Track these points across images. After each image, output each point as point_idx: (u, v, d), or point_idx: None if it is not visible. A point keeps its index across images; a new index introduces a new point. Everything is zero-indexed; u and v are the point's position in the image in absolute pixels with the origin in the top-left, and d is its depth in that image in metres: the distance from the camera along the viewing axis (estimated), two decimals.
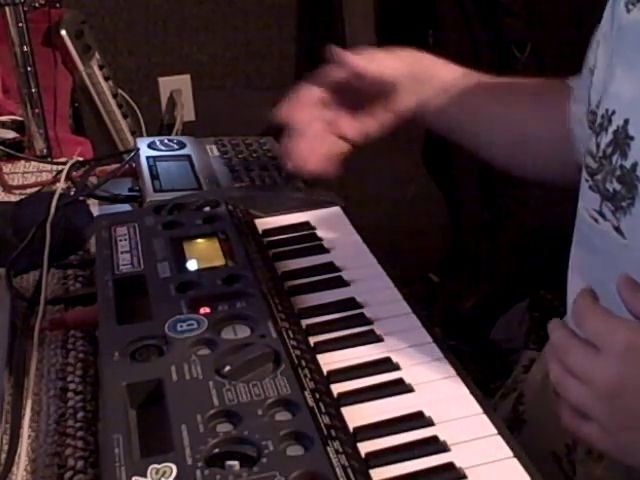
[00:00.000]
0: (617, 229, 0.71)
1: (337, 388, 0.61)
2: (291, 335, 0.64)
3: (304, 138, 0.91)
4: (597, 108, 0.78)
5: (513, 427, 0.90)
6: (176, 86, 2.48)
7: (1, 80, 1.47)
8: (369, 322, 0.69)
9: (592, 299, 0.62)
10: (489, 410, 0.59)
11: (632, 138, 0.69)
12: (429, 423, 0.57)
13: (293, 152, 0.91)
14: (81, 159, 1.09)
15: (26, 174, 1.16)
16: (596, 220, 0.74)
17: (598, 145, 0.74)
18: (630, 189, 0.69)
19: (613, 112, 0.72)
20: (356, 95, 0.94)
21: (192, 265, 0.74)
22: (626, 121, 0.70)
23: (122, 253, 0.76)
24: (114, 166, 1.07)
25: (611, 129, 0.72)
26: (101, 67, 2.00)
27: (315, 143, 0.92)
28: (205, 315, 0.66)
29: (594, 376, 0.59)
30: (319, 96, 0.93)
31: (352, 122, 0.95)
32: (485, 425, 0.58)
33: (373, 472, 0.53)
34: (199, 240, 0.79)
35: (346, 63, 0.91)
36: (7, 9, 1.17)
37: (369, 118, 0.95)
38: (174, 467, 0.51)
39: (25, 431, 0.65)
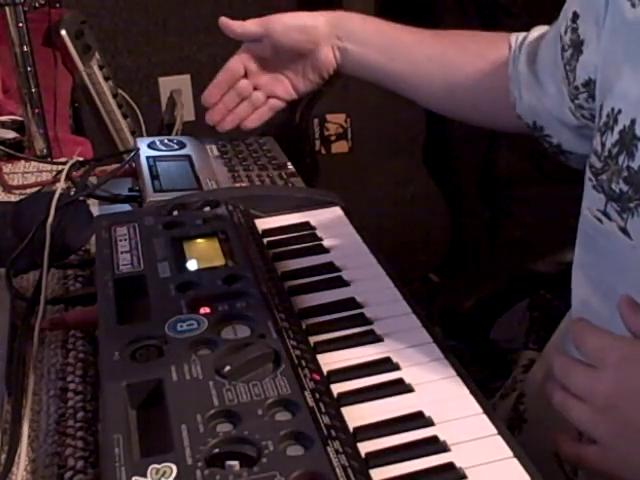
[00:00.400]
0: (623, 230, 0.71)
1: (337, 388, 0.61)
2: (291, 335, 0.64)
3: (221, 102, 1.06)
4: (584, 88, 0.78)
5: (513, 427, 0.90)
6: (176, 86, 2.48)
7: (1, 80, 1.47)
8: (369, 322, 0.69)
9: (588, 322, 0.63)
10: (489, 410, 0.59)
11: None
12: (429, 423, 0.57)
13: (210, 114, 1.06)
14: (81, 159, 1.09)
15: (26, 174, 1.16)
16: (600, 220, 0.73)
17: (603, 144, 0.72)
18: (638, 190, 0.68)
19: (619, 111, 0.71)
20: (281, 57, 1.05)
21: (192, 265, 0.74)
22: (633, 121, 0.69)
23: (122, 253, 0.76)
24: (114, 166, 1.07)
25: (617, 129, 0.71)
26: (101, 67, 2.00)
27: (233, 105, 1.06)
28: (205, 315, 0.66)
29: (592, 391, 0.60)
30: (239, 70, 1.06)
31: (281, 82, 1.07)
32: (485, 425, 0.58)
33: (373, 472, 0.53)
34: (199, 240, 0.79)
35: (234, 31, 1.05)
36: (7, 9, 1.17)
37: (297, 76, 1.06)
38: (174, 467, 0.51)
39: (25, 431, 0.65)
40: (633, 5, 0.71)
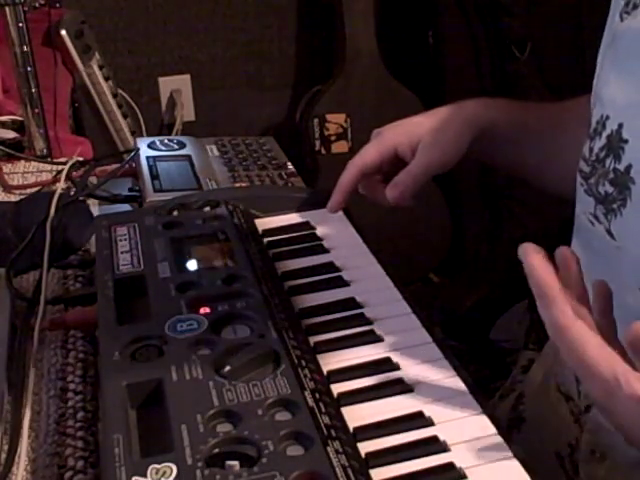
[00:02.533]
0: (608, 231, 0.72)
1: (337, 388, 0.61)
2: (291, 335, 0.64)
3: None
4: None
5: (513, 426, 0.91)
6: (176, 86, 2.48)
7: (1, 80, 1.47)
8: (369, 322, 0.69)
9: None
10: (489, 410, 0.59)
11: (626, 141, 0.70)
12: (429, 423, 0.57)
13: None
14: (81, 159, 1.09)
15: (26, 174, 1.16)
16: (592, 223, 0.75)
17: (591, 149, 0.74)
18: (622, 190, 0.69)
19: (607, 117, 0.73)
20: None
21: (192, 265, 0.74)
22: (620, 125, 0.70)
23: (122, 253, 0.76)
24: (114, 166, 1.07)
25: (605, 134, 0.72)
26: (101, 67, 2.00)
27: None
28: (205, 315, 0.66)
29: None
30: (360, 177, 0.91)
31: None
32: (485, 425, 0.58)
33: (373, 472, 0.53)
34: (199, 240, 0.79)
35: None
36: (7, 9, 1.17)
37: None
38: (174, 467, 0.51)
39: (25, 431, 0.65)
40: (622, 19, 0.74)
